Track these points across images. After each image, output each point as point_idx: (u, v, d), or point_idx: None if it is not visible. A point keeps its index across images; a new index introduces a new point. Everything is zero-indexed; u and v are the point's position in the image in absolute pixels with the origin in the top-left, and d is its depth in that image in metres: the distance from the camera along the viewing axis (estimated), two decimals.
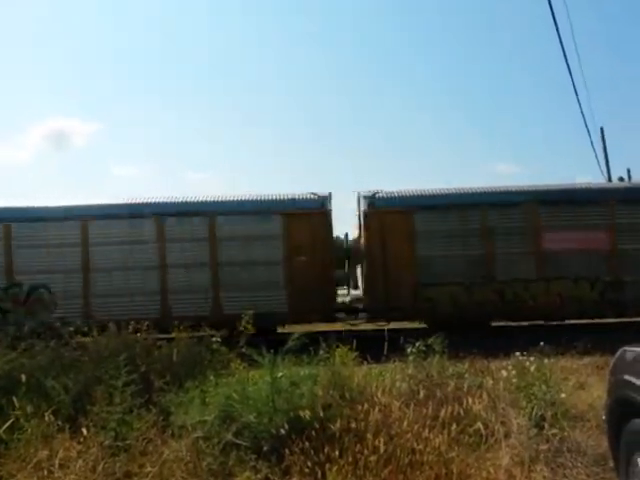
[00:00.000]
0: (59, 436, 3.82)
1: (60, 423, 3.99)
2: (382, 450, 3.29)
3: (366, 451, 3.32)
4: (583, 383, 6.60)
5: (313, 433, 3.55)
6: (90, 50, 47.12)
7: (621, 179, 36.86)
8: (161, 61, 50.83)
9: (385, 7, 48.18)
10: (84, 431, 3.77)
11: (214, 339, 5.98)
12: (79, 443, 3.72)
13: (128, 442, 3.74)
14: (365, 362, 7.85)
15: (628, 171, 35.32)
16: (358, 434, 3.59)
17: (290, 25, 51.10)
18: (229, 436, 3.88)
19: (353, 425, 3.65)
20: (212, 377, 5.15)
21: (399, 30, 48.90)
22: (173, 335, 7.18)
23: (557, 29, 10.94)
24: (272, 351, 4.94)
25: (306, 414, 3.61)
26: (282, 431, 3.60)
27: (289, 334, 5.64)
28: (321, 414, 3.69)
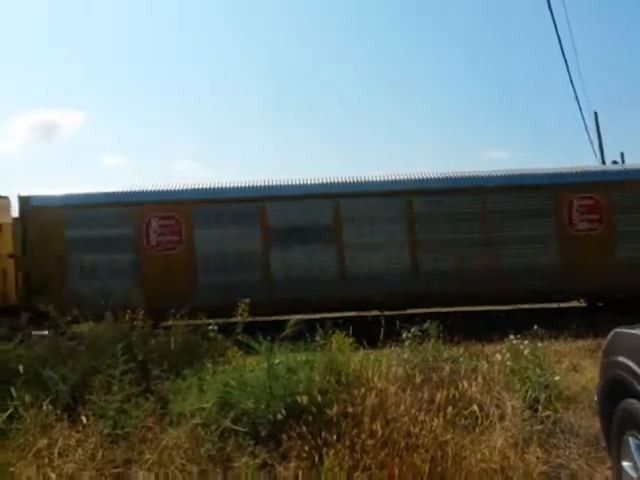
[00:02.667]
0: (58, 425, 3.84)
1: (59, 412, 4.00)
2: (379, 434, 3.33)
3: (363, 435, 3.36)
4: (576, 365, 6.68)
5: (310, 418, 3.59)
6: (79, 38, 46.54)
7: (615, 162, 37.05)
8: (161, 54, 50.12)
9: None
10: (83, 420, 3.79)
11: (210, 327, 6.00)
12: (78, 432, 3.74)
13: (127, 430, 3.77)
14: (362, 348, 7.92)
15: (622, 155, 35.37)
16: (355, 418, 3.63)
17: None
18: (227, 422, 3.91)
19: (350, 410, 3.69)
20: (209, 365, 5.19)
21: (386, 19, 48.36)
22: (169, 323, 7.22)
23: (552, 14, 10.87)
24: (269, 338, 4.97)
25: (303, 399, 3.64)
26: (279, 416, 3.64)
27: None
28: (318, 399, 3.72)
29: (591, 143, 31.69)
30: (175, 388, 4.40)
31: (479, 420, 3.68)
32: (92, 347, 5.51)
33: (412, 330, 6.17)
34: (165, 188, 12.23)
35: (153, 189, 12.17)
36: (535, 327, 6.43)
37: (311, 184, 12.07)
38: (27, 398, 3.95)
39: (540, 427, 3.85)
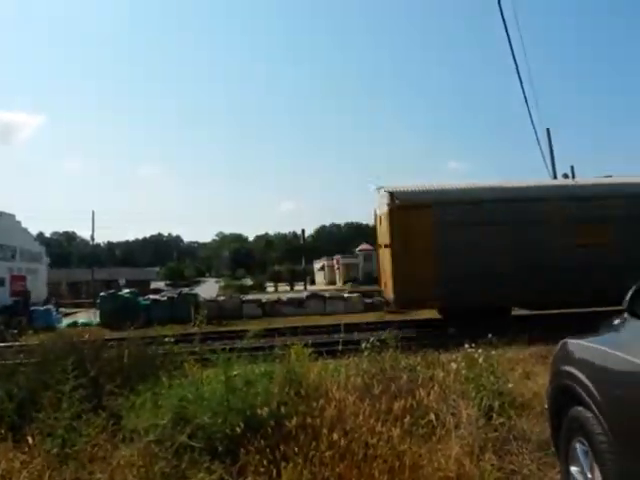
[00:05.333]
0: (1, 446, 3.65)
1: (2, 432, 3.81)
2: (337, 445, 3.33)
3: (322, 447, 3.35)
4: (529, 372, 6.91)
5: (269, 431, 3.55)
6: (39, 42, 44.92)
7: (565, 176, 38.75)
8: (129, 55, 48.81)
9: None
10: (29, 439, 3.62)
11: (167, 339, 5.86)
12: (23, 453, 3.56)
13: (76, 449, 3.62)
14: (321, 357, 7.92)
15: (572, 168, 37.01)
16: (314, 430, 3.61)
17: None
18: (183, 438, 3.82)
19: (309, 421, 3.67)
20: (165, 378, 5.06)
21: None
22: (125, 335, 7.01)
23: (507, 33, 11.30)
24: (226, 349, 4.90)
25: (263, 412, 3.60)
26: (237, 430, 3.58)
27: None
28: (277, 412, 3.69)
29: (543, 157, 33.00)
30: (128, 404, 4.25)
31: (436, 429, 3.74)
32: (41, 361, 5.28)
33: (371, 340, 6.23)
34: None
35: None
36: (490, 335, 6.59)
37: None
38: None
39: (494, 434, 3.94)
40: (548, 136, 33.49)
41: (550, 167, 33.59)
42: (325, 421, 3.65)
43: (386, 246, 14.61)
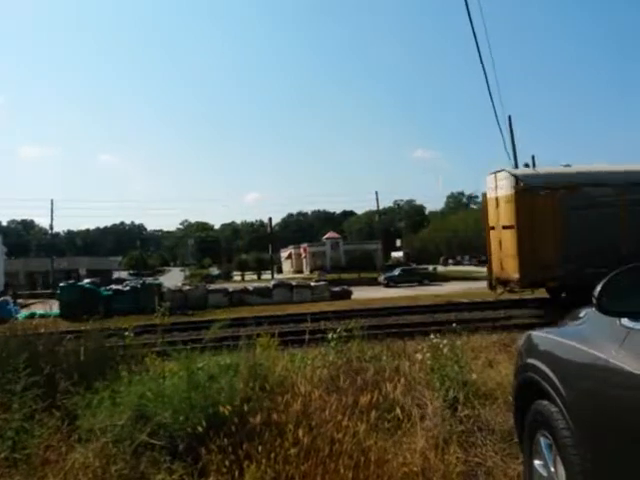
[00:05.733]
0: None
1: None
2: (303, 442, 3.27)
3: (287, 444, 3.28)
4: (492, 361, 7.03)
5: (232, 429, 3.46)
6: None
7: (526, 165, 39.51)
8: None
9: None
10: None
11: (128, 332, 5.66)
12: None
13: (27, 452, 3.44)
14: (288, 347, 7.85)
15: (532, 158, 37.96)
16: (279, 426, 3.54)
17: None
18: (142, 437, 3.69)
19: (274, 417, 3.59)
20: (124, 374, 4.90)
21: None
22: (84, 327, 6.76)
23: (472, 24, 11.34)
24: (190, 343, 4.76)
25: (225, 410, 3.49)
26: (199, 429, 3.46)
27: None
28: (241, 408, 3.59)
29: (505, 145, 33.70)
30: (85, 402, 4.07)
31: (402, 422, 3.72)
32: None
33: (338, 330, 6.19)
34: None
35: None
36: (454, 325, 6.66)
37: None
38: None
39: (459, 427, 3.96)
40: (509, 124, 34.18)
41: (512, 155, 34.37)
42: (290, 417, 3.58)
43: (505, 227, 15.09)
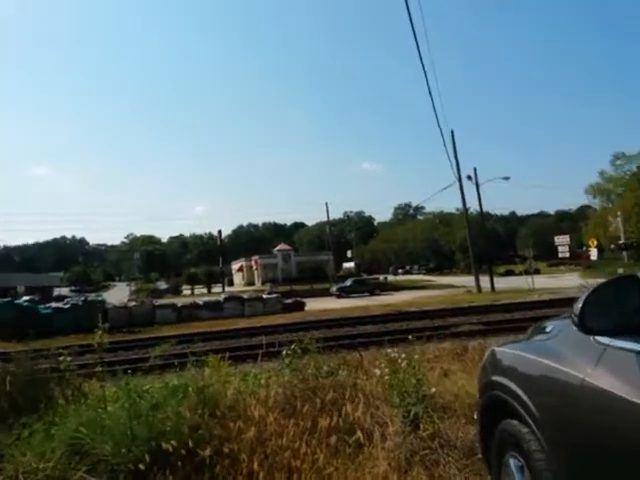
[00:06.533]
0: None
1: None
2: (258, 474, 3.01)
3: (240, 477, 3.01)
4: (447, 371, 6.98)
5: (179, 463, 3.15)
6: None
7: (469, 178, 40.75)
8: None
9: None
10: None
11: (62, 358, 5.19)
12: None
13: None
14: (239, 363, 7.51)
15: (474, 170, 39.29)
16: (231, 457, 3.26)
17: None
18: (79, 474, 3.33)
19: (225, 449, 3.31)
20: (61, 401, 4.48)
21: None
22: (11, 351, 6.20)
23: (415, 39, 11.53)
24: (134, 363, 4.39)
25: (169, 445, 3.18)
26: (141, 466, 3.14)
27: None
28: (188, 441, 3.28)
29: (449, 159, 34.69)
30: (12, 439, 3.64)
31: (363, 447, 3.53)
32: None
33: (292, 347, 5.96)
34: None
35: None
36: (410, 337, 6.57)
37: None
38: None
39: (421, 444, 3.81)
40: (452, 138, 35.34)
41: (455, 168, 35.39)
42: (244, 446, 3.32)
43: None
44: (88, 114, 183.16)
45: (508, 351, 2.62)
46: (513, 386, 2.34)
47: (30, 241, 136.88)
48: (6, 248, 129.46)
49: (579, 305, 1.76)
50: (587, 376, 1.82)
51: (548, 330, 2.38)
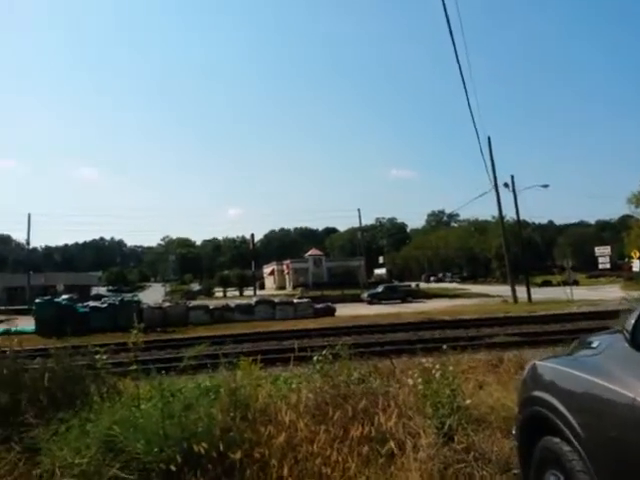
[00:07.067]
0: None
1: None
2: (287, 479, 2.98)
3: None
4: (482, 382, 6.80)
5: (210, 466, 3.15)
6: None
7: (506, 185, 39.75)
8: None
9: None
10: None
11: (99, 356, 5.30)
12: None
13: None
14: (270, 367, 7.51)
15: (512, 177, 38.41)
16: (261, 462, 3.25)
17: None
18: (112, 471, 3.37)
19: (256, 453, 3.29)
20: (96, 399, 4.56)
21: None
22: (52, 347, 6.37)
23: (454, 46, 11.38)
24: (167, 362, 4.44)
25: (201, 447, 3.18)
26: (173, 467, 3.15)
27: None
28: (219, 443, 3.28)
29: (485, 166, 34.05)
30: (49, 433, 3.73)
31: (395, 456, 3.45)
32: None
33: (323, 352, 5.92)
34: None
35: None
36: (444, 346, 6.44)
37: None
38: None
39: (454, 456, 3.70)
40: (489, 144, 34.70)
41: (491, 174, 34.70)
42: (274, 450, 3.29)
43: None
44: (134, 117, 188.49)
45: (551, 365, 2.51)
46: (555, 402, 2.24)
47: (71, 241, 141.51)
48: (48, 248, 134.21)
49: (632, 320, 1.67)
50: (638, 395, 1.72)
51: (594, 345, 2.27)
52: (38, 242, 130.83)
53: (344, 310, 30.30)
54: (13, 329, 22.54)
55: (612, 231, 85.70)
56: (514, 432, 2.87)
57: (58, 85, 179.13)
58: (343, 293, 45.61)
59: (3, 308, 41.14)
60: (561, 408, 2.17)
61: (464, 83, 13.50)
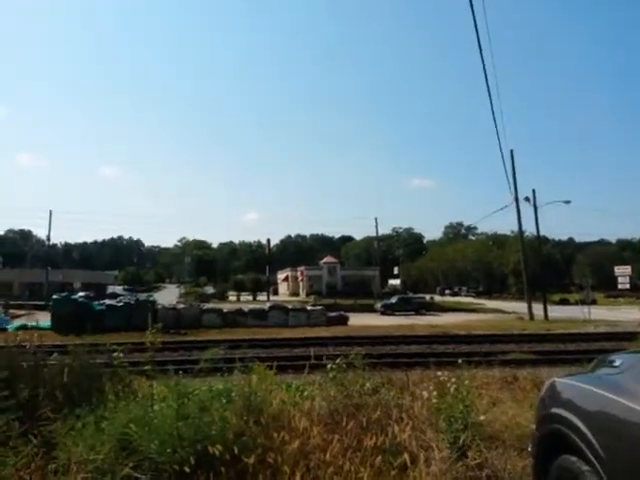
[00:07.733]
0: None
1: None
2: None
3: None
4: (496, 399, 6.74)
5: (223, 469, 3.17)
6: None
7: (527, 199, 39.29)
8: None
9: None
10: None
11: (115, 354, 5.36)
12: None
13: None
14: (283, 373, 7.52)
15: (533, 192, 37.98)
16: (274, 467, 3.25)
17: None
18: (126, 470, 3.40)
19: (269, 458, 3.30)
20: (112, 397, 4.61)
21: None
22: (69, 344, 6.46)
23: (482, 55, 11.33)
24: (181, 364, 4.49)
25: (216, 449, 3.20)
26: (186, 468, 3.17)
27: None
28: (233, 446, 3.30)
29: (507, 179, 33.71)
30: (65, 429, 3.78)
31: (407, 468, 3.43)
32: None
33: (337, 361, 5.92)
34: None
35: None
36: (459, 361, 6.38)
37: None
38: None
39: (467, 472, 3.67)
40: (511, 157, 34.42)
41: (513, 188, 34.38)
42: (287, 457, 3.30)
43: None
44: (159, 119, 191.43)
45: (571, 383, 2.48)
46: (575, 420, 2.21)
47: (90, 239, 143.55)
48: (67, 245, 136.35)
49: None
50: None
51: (617, 364, 2.24)
52: (58, 239, 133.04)
53: (357, 320, 30.19)
54: (30, 324, 22.92)
55: (633, 251, 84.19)
56: (530, 449, 2.83)
57: (82, 82, 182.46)
58: (356, 302, 45.46)
59: (22, 303, 41.85)
60: (581, 426, 2.14)
61: (490, 100, 13.43)
